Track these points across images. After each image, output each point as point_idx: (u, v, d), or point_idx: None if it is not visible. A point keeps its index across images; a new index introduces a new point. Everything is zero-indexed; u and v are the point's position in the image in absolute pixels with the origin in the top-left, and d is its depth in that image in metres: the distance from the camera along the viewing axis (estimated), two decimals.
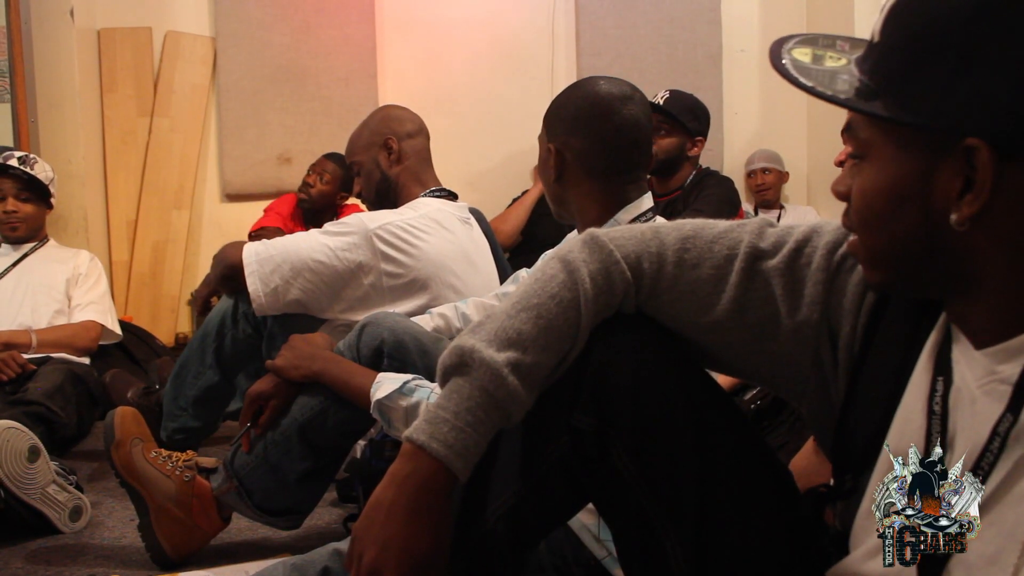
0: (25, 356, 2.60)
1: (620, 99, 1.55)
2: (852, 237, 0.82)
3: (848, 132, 0.78)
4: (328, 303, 2.00)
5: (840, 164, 2.19)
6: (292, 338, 1.70)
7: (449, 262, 2.02)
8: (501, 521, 0.97)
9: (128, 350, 3.14)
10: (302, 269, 1.96)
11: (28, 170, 2.86)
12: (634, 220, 1.53)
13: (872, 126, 0.75)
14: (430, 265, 2.00)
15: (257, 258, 1.98)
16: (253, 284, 1.97)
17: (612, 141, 1.54)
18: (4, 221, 2.87)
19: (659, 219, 1.55)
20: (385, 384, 1.49)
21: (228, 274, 2.05)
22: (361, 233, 1.97)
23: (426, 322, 1.82)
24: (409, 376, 1.50)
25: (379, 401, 1.48)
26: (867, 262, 0.80)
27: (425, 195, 2.14)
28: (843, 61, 0.78)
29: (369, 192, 2.20)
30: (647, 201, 1.57)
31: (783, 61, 0.78)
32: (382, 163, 2.17)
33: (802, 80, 0.76)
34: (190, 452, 1.77)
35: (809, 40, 0.81)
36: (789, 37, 0.82)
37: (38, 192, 2.89)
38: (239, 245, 2.03)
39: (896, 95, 0.72)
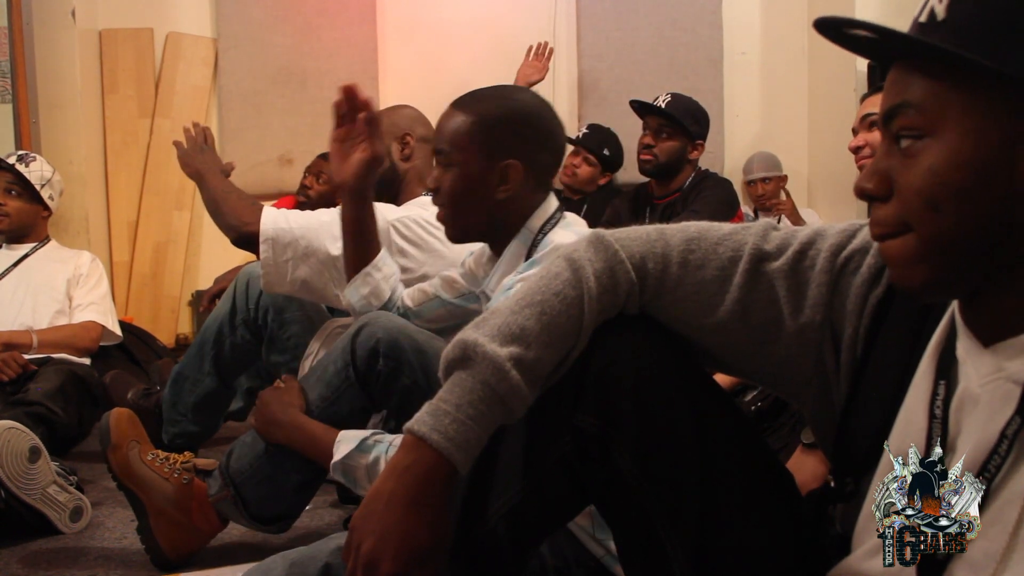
0: (26, 356, 2.60)
1: (550, 110, 1.55)
2: (884, 241, 0.77)
3: (901, 111, 0.73)
4: (334, 290, 1.99)
5: (855, 150, 2.13)
6: (261, 397, 1.67)
7: (456, 261, 2.03)
8: (502, 520, 0.97)
9: (129, 351, 3.13)
10: (317, 250, 1.92)
11: (23, 167, 2.86)
12: (545, 224, 1.52)
13: (951, 96, 0.70)
14: (440, 262, 2.01)
15: (275, 229, 1.93)
16: (266, 253, 1.94)
17: (558, 155, 1.56)
18: None
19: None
20: (343, 444, 1.49)
21: (244, 239, 2.00)
22: (380, 224, 1.96)
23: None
24: (367, 432, 1.51)
25: (341, 462, 1.49)
26: (917, 256, 0.73)
27: (427, 194, 2.14)
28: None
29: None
30: (552, 202, 1.56)
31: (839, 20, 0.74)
32: (394, 154, 2.19)
33: (885, 27, 0.71)
34: (188, 453, 1.77)
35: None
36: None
37: (31, 190, 2.89)
38: (257, 210, 1.97)
39: (989, 53, 0.67)
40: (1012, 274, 0.72)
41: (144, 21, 4.01)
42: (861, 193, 0.77)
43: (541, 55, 4.01)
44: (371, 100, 1.70)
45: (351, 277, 1.77)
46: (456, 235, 1.60)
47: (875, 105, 2.03)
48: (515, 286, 1.39)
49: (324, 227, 1.95)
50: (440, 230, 2.01)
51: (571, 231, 1.51)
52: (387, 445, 1.48)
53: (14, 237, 2.91)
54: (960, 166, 0.70)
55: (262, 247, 1.94)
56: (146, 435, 1.76)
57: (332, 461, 1.49)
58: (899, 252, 0.75)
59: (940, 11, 0.71)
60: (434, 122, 2.28)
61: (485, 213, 1.54)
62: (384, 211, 2.01)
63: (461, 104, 1.56)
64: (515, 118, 1.51)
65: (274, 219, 1.94)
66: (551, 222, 1.53)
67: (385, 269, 1.77)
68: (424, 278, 2.00)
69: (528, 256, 1.52)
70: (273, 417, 1.61)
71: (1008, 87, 0.68)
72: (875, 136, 2.02)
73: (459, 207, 1.55)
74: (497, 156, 1.49)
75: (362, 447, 1.48)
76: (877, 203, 0.76)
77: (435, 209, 2.05)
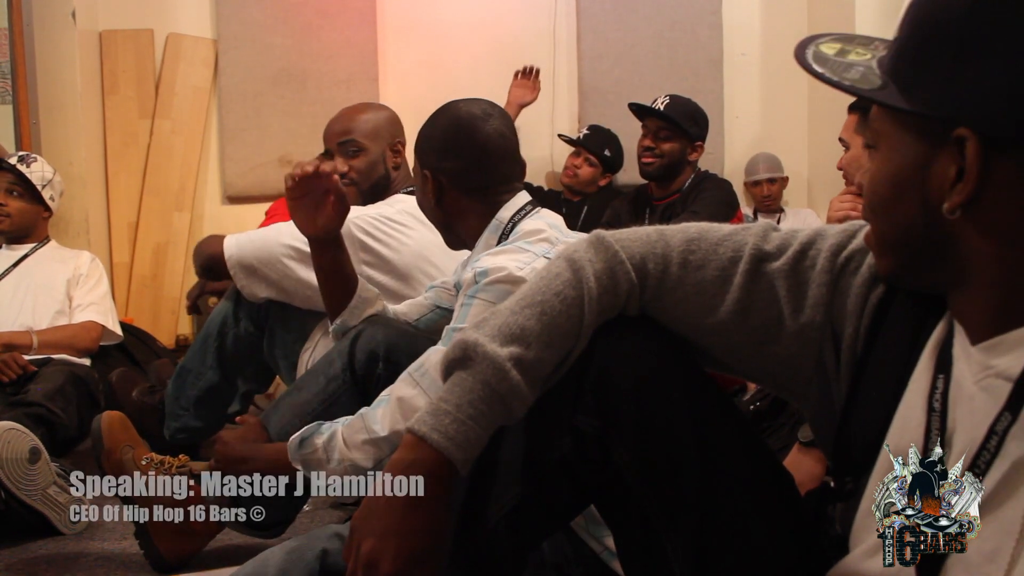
0: (26, 357, 2.60)
1: (481, 118, 1.61)
2: (868, 228, 0.85)
3: (867, 122, 0.83)
4: (307, 292, 2.01)
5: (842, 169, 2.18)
6: (221, 438, 1.69)
7: (428, 255, 2.06)
8: (503, 521, 0.97)
9: (128, 351, 3.14)
10: (280, 254, 2.01)
11: (24, 168, 2.86)
12: (515, 215, 1.59)
13: (883, 117, 0.78)
14: (408, 257, 2.03)
15: (237, 245, 2.04)
16: (234, 269, 2.04)
17: (482, 158, 1.60)
18: None
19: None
20: (296, 437, 1.53)
21: (208, 264, 2.10)
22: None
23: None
24: (314, 423, 1.55)
25: (297, 453, 1.52)
26: (876, 249, 0.83)
27: (402, 192, 2.17)
28: (867, 56, 0.80)
29: (365, 180, 2.22)
30: (522, 197, 1.63)
31: (806, 51, 0.81)
32: (387, 160, 2.21)
33: (814, 67, 0.79)
34: (183, 456, 1.77)
35: (845, 38, 0.84)
36: (826, 34, 0.85)
37: (32, 190, 2.89)
38: (219, 237, 2.08)
39: (902, 85, 0.74)
40: (972, 277, 0.75)
41: (144, 22, 4.01)
42: (858, 187, 0.87)
43: (529, 75, 3.95)
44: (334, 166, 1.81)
45: (336, 314, 1.79)
46: (447, 243, 1.74)
47: (844, 127, 2.06)
48: (482, 259, 1.48)
49: (284, 228, 2.03)
50: (403, 225, 2.05)
51: (542, 220, 1.58)
52: (344, 422, 1.51)
53: (14, 238, 2.91)
54: (883, 180, 0.79)
55: (228, 263, 2.04)
56: (139, 438, 1.76)
57: (289, 453, 1.52)
58: (868, 243, 0.85)
59: (897, 29, 0.77)
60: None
61: (436, 220, 1.69)
62: None
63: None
64: (429, 132, 1.65)
65: (235, 239, 2.06)
66: (521, 213, 1.60)
67: (368, 295, 1.80)
68: (394, 273, 2.02)
69: (499, 243, 1.58)
70: (235, 455, 1.62)
71: (919, 117, 0.74)
72: (844, 159, 2.03)
73: (427, 219, 1.74)
74: (420, 167, 1.66)
75: (318, 431, 1.52)
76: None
77: (400, 205, 2.10)
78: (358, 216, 2.02)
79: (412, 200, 2.13)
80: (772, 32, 4.38)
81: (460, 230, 1.66)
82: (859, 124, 1.92)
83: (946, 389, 0.77)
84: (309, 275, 1.94)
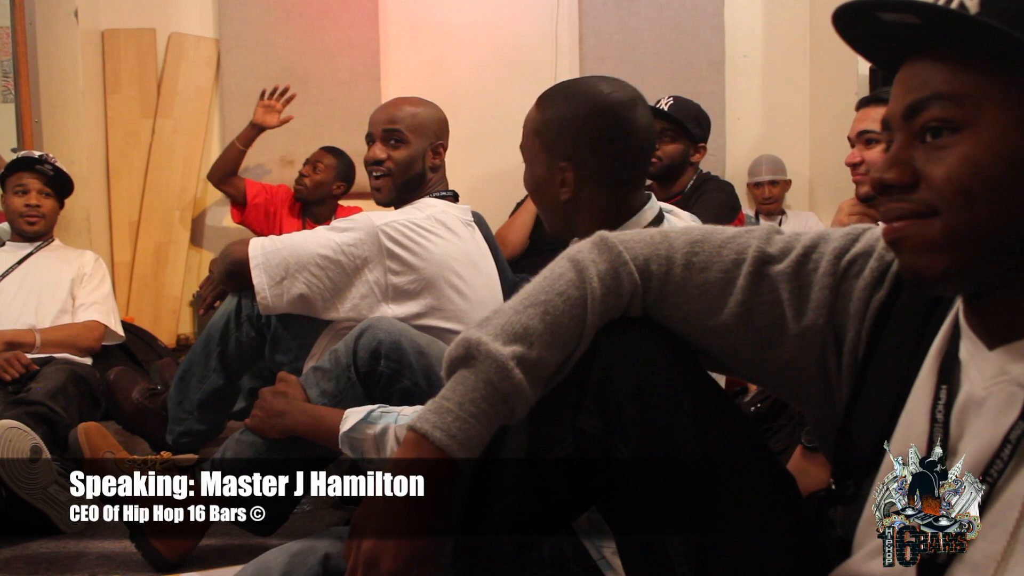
0: (28, 355, 2.61)
1: (630, 105, 1.42)
2: (899, 223, 0.75)
3: (931, 104, 0.72)
4: (332, 301, 2.00)
5: (853, 165, 2.10)
6: (262, 393, 1.70)
7: (453, 263, 2.03)
8: (504, 522, 0.97)
9: (130, 351, 3.14)
10: (308, 263, 1.95)
11: (49, 169, 2.91)
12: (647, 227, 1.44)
13: (980, 90, 0.70)
14: (434, 265, 2.01)
15: (263, 251, 1.99)
16: (259, 277, 1.97)
17: (629, 155, 1.42)
18: (25, 215, 2.89)
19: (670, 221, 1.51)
20: (350, 418, 1.51)
21: (233, 270, 2.05)
22: (367, 229, 1.98)
23: None
24: (374, 406, 1.53)
25: (347, 434, 1.50)
26: (939, 243, 0.72)
27: (431, 196, 2.15)
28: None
29: (401, 174, 2.15)
30: (648, 213, 1.47)
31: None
32: (427, 159, 2.18)
33: (935, 5, 0.70)
34: (164, 453, 1.77)
35: None
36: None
37: (59, 190, 2.93)
38: (244, 242, 2.04)
39: None
40: (1022, 276, 0.72)
41: (146, 21, 4.02)
42: (880, 184, 0.75)
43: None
44: None
45: None
46: (549, 230, 1.53)
47: (870, 120, 2.00)
48: None
49: (309, 236, 2.00)
50: (430, 232, 2.02)
51: None
52: (395, 415, 1.49)
53: (31, 236, 2.93)
54: (999, 158, 0.69)
55: (253, 273, 1.98)
56: (117, 444, 1.77)
57: (340, 433, 1.50)
58: (920, 237, 0.74)
59: (972, 5, 0.69)
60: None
61: (555, 212, 1.48)
62: (372, 217, 2.02)
63: (540, 99, 1.50)
64: (565, 117, 1.43)
65: (260, 244, 2.00)
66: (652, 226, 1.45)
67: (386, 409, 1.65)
68: (418, 282, 2.00)
69: None
70: (275, 408, 1.63)
71: None
72: (873, 154, 2.00)
73: (536, 204, 1.52)
74: (554, 158, 1.44)
75: (369, 418, 1.50)
76: (895, 192, 0.75)
77: (430, 210, 2.07)
78: (386, 223, 1.99)
79: (442, 205, 2.12)
80: (774, 34, 4.38)
81: (579, 226, 1.44)
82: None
83: (949, 400, 0.77)
84: (338, 283, 1.96)
